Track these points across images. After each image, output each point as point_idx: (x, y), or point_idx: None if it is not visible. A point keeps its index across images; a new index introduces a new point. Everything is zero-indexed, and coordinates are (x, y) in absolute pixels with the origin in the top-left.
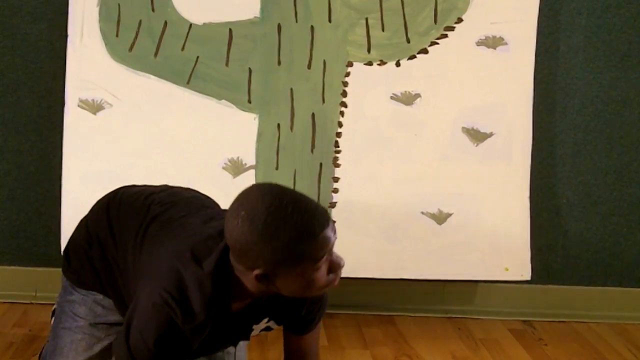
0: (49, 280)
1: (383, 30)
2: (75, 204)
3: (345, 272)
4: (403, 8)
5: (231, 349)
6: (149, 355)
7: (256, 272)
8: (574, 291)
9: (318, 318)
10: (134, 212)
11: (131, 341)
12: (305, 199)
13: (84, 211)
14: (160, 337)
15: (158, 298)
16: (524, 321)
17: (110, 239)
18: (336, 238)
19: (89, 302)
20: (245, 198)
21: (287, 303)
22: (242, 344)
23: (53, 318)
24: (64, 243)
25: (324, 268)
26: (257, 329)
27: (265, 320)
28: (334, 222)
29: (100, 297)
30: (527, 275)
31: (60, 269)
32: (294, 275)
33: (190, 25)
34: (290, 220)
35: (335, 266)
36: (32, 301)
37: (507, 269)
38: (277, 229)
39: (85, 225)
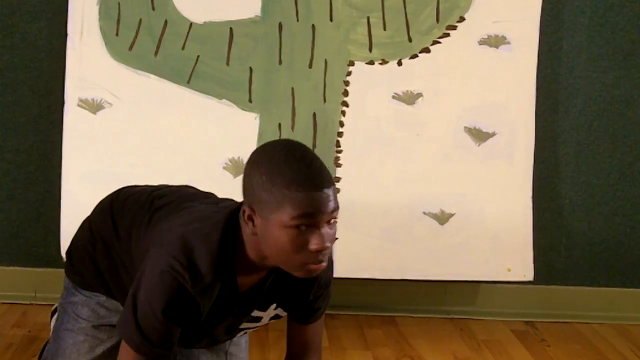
0: (48, 280)
1: (385, 29)
2: (75, 204)
3: (347, 273)
4: (405, 7)
5: (233, 348)
6: (158, 326)
7: (245, 207)
8: (576, 292)
9: (323, 308)
10: (139, 206)
11: (139, 314)
12: (312, 156)
13: (84, 211)
14: (169, 304)
15: (165, 265)
16: (527, 322)
17: (114, 237)
18: (331, 212)
19: (92, 304)
20: (260, 147)
21: (293, 286)
22: (244, 344)
23: (53, 318)
24: (63, 243)
25: (303, 235)
26: (266, 316)
27: (273, 306)
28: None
29: (103, 298)
30: (529, 276)
31: (60, 270)
32: (272, 226)
33: (191, 24)
34: (290, 165)
35: (315, 241)
36: (32, 302)
37: (509, 270)
38: (274, 168)
39: (88, 226)
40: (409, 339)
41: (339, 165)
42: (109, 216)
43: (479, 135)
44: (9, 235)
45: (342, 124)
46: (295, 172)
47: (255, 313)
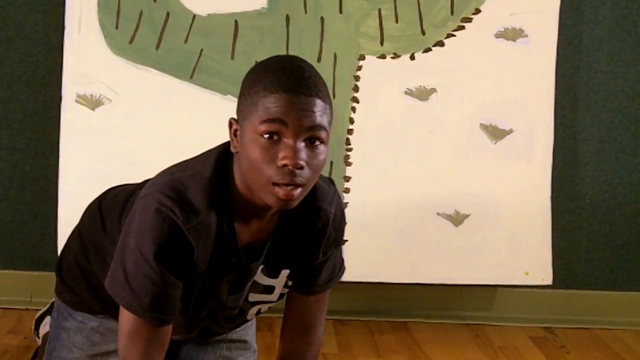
0: (45, 284)
1: (397, 21)
2: (73, 204)
3: (357, 276)
4: None
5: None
6: (153, 276)
7: (231, 118)
8: (597, 296)
9: (330, 278)
10: (126, 197)
11: (129, 266)
12: (311, 67)
13: (82, 212)
14: (161, 247)
15: (153, 202)
16: (545, 328)
17: (106, 240)
18: (313, 125)
19: (86, 331)
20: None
21: (299, 244)
22: (251, 327)
23: (41, 328)
24: (60, 246)
25: (273, 146)
26: (278, 285)
27: (285, 273)
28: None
29: (96, 324)
30: (548, 280)
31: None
32: (246, 134)
33: (194, 16)
34: (278, 67)
35: (285, 154)
36: (28, 307)
37: (527, 273)
38: (262, 68)
39: (78, 234)
40: (422, 346)
41: (348, 164)
42: (98, 218)
43: (496, 133)
44: (4, 237)
45: (352, 121)
46: (277, 75)
47: (267, 281)
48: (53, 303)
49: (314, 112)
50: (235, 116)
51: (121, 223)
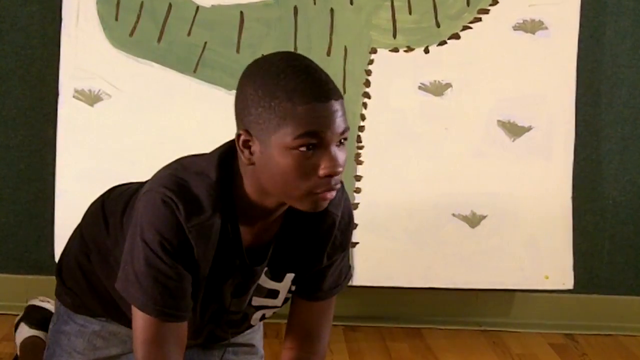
0: (41, 288)
1: (410, 13)
2: (70, 204)
3: (369, 281)
4: None
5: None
6: (162, 267)
7: (238, 132)
8: (620, 301)
9: (336, 283)
10: (129, 196)
11: (137, 261)
12: (317, 68)
13: (80, 213)
14: (169, 238)
15: (159, 196)
16: (566, 334)
17: (109, 240)
18: (341, 129)
19: (87, 334)
20: (258, 59)
21: (304, 246)
22: (258, 332)
23: (19, 331)
24: (57, 248)
25: (310, 158)
26: (282, 289)
27: (290, 277)
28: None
29: (98, 327)
30: (569, 284)
31: (53, 277)
32: (272, 149)
33: (197, 7)
34: (290, 74)
35: (326, 164)
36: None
37: (547, 277)
38: (271, 74)
39: (79, 234)
40: (437, 353)
41: (360, 163)
42: (100, 218)
43: (514, 130)
44: None
45: (363, 117)
46: (297, 82)
47: (271, 285)
48: (28, 308)
49: (342, 115)
50: (240, 125)
51: (123, 222)
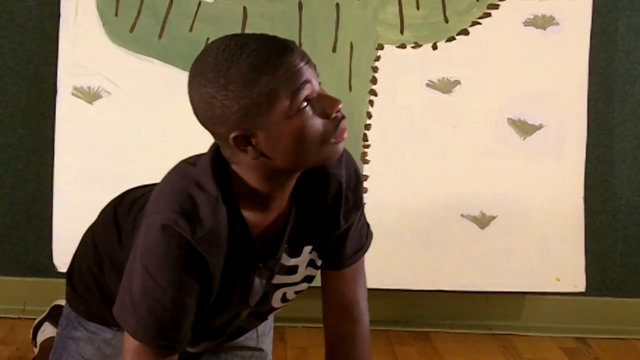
0: (39, 291)
1: (418, 8)
2: (69, 205)
3: (375, 283)
4: None
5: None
6: (161, 297)
7: (232, 135)
8: (634, 304)
9: (360, 245)
10: (140, 208)
11: (134, 290)
12: (259, 34)
13: (79, 214)
14: (171, 266)
15: (158, 220)
16: (578, 338)
17: (121, 253)
18: (313, 70)
19: (98, 342)
20: (196, 59)
21: (318, 216)
22: (268, 335)
23: (39, 336)
24: (56, 249)
25: (310, 109)
26: (301, 264)
27: (308, 249)
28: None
29: (109, 335)
30: (581, 287)
31: (52, 279)
32: (276, 125)
33: (200, 2)
34: (241, 54)
35: (327, 104)
36: (20, 315)
37: (558, 280)
38: (229, 68)
39: (92, 241)
40: (445, 357)
41: (366, 162)
42: (113, 226)
43: (524, 128)
44: None
45: (369, 115)
46: (256, 55)
47: (289, 261)
48: (53, 308)
49: (306, 53)
50: (221, 130)
51: (134, 240)
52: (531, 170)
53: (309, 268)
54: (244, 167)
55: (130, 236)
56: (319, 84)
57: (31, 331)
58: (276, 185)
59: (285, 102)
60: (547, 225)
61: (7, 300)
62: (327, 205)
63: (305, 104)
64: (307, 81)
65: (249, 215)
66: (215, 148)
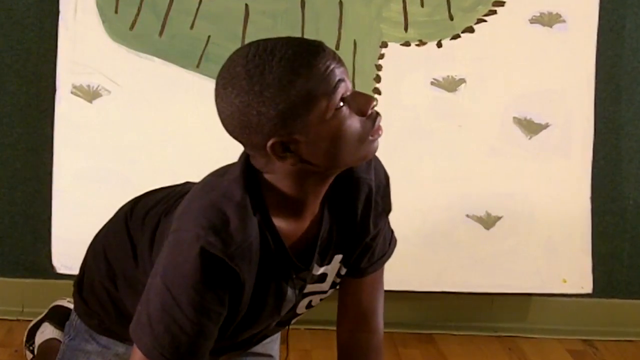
0: (37, 293)
1: (422, 5)
2: (68, 205)
3: None
4: None
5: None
6: (180, 318)
7: (270, 143)
8: None
9: (384, 251)
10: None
11: (154, 308)
12: (285, 37)
13: (78, 214)
14: (197, 287)
15: (187, 237)
16: (585, 340)
17: (136, 270)
18: (344, 69)
19: (109, 356)
20: (222, 69)
21: (350, 223)
22: (276, 341)
23: (36, 342)
24: (54, 250)
25: (347, 109)
26: (330, 273)
27: (339, 258)
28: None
29: (122, 350)
30: (588, 288)
31: (51, 281)
32: (315, 128)
33: None
34: (273, 59)
35: (363, 102)
36: (19, 317)
37: (565, 281)
38: (262, 74)
39: (103, 254)
40: None
41: None
42: (127, 241)
43: (530, 127)
44: None
45: None
46: (290, 59)
47: (319, 270)
48: (52, 309)
49: (337, 54)
50: (256, 141)
51: (151, 257)
52: (537, 170)
53: (335, 276)
54: (279, 175)
55: (146, 251)
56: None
57: (25, 333)
58: (311, 192)
59: (322, 103)
60: (554, 225)
61: (5, 302)
62: (358, 211)
63: (342, 103)
64: (342, 80)
65: (281, 225)
66: (245, 158)
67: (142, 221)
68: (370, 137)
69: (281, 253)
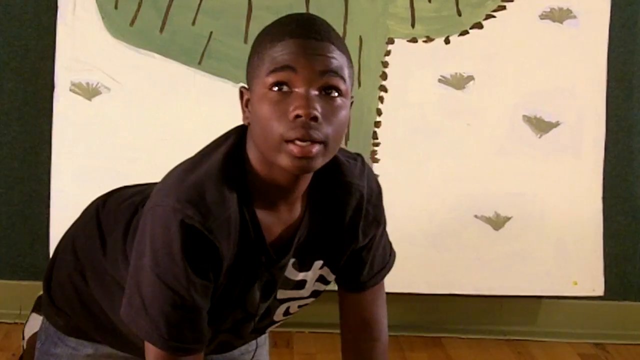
0: (35, 295)
1: (430, 1)
2: (67, 205)
3: (386, 287)
4: None
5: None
6: (171, 295)
7: (240, 86)
8: None
9: (381, 267)
10: (132, 211)
11: (144, 287)
12: (310, 14)
13: (77, 214)
14: (180, 260)
15: (164, 211)
16: (596, 344)
17: (104, 261)
18: (327, 83)
19: (80, 358)
20: None
21: (336, 229)
22: (264, 347)
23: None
24: (53, 251)
25: (283, 98)
26: (310, 280)
27: (319, 264)
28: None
29: (91, 350)
30: (599, 290)
31: None
32: (255, 95)
33: None
34: (285, 19)
35: (292, 103)
36: (16, 320)
37: (575, 283)
38: (266, 27)
39: (71, 249)
40: None
41: (376, 161)
42: (96, 236)
43: (541, 126)
44: None
45: (379, 112)
46: (285, 24)
47: (299, 276)
48: (39, 298)
49: (326, 56)
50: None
51: (126, 246)
52: (547, 170)
53: (317, 283)
54: (249, 138)
55: (119, 241)
56: (326, 94)
57: (22, 334)
58: (274, 175)
59: (264, 73)
60: (564, 226)
61: (2, 304)
62: (346, 216)
63: (277, 89)
64: (292, 68)
65: (260, 214)
66: (237, 128)
67: (115, 212)
68: (286, 146)
69: (257, 237)
